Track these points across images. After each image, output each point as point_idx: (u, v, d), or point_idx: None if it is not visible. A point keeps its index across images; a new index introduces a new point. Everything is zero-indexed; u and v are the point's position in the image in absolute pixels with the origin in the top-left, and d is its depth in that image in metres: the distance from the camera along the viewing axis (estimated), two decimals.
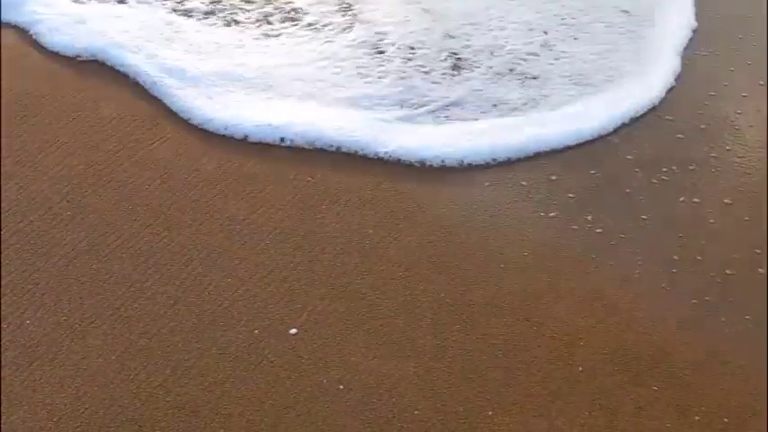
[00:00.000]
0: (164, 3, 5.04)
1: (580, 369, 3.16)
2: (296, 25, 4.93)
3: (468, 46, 4.86)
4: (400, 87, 4.50)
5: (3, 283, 3.34)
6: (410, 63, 4.69)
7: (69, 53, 4.65)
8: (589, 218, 3.83)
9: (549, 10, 5.20)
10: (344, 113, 4.32)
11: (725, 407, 3.05)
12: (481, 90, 4.54)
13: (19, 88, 4.40)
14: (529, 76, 4.69)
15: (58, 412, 2.91)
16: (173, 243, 3.59)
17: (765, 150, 4.26)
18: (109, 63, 4.58)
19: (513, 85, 4.61)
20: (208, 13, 4.99)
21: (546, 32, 5.00)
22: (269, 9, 5.04)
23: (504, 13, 5.12)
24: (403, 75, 4.60)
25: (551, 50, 4.88)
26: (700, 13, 5.22)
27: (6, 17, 4.83)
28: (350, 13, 5.04)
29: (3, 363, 3.05)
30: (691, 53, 4.91)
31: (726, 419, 3.01)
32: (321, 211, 3.81)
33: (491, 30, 4.99)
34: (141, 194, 3.83)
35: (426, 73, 4.63)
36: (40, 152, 4.05)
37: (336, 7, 5.08)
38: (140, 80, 4.48)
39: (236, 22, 4.95)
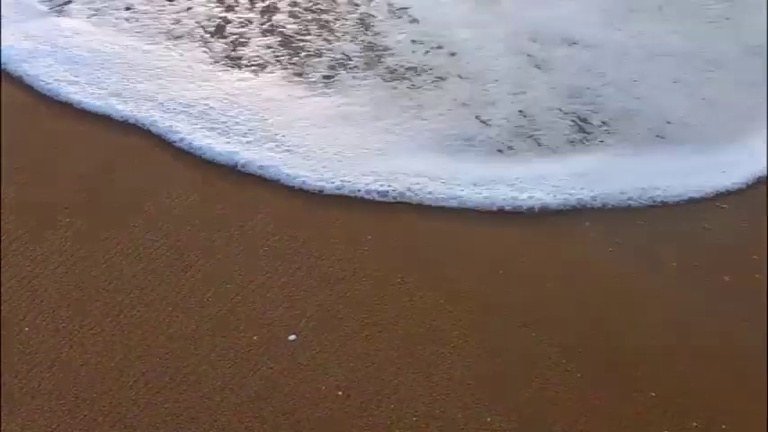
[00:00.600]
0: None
1: (579, 375, 3.16)
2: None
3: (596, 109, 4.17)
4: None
5: (2, 290, 3.34)
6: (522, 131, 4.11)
7: None
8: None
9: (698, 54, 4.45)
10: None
11: (724, 413, 3.06)
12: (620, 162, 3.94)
13: None
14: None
15: (57, 419, 2.91)
16: (171, 249, 3.60)
17: None
18: None
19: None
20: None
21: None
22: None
23: (641, 62, 4.35)
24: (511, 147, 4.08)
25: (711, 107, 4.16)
26: None
27: None
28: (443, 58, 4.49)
29: (2, 369, 3.05)
30: None
31: (723, 426, 3.01)
32: (319, 219, 3.82)
33: (627, 86, 4.26)
34: (141, 200, 3.85)
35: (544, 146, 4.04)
36: (42, 156, 4.08)
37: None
38: None
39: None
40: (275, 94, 4.51)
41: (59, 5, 5.09)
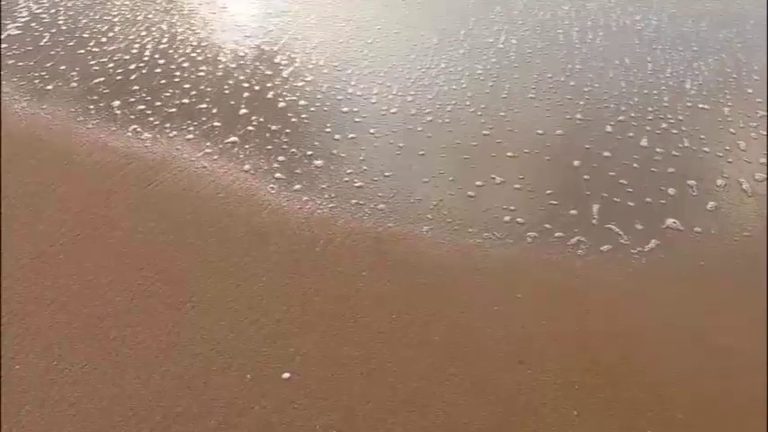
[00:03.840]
0: None
1: (575, 414, 3.13)
2: None
3: None
4: None
5: None
6: None
7: None
8: None
9: None
10: None
11: None
12: None
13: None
14: None
15: None
16: (165, 287, 3.58)
17: None
18: None
19: None
20: None
21: None
22: None
23: None
24: None
25: None
26: None
27: None
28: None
29: None
30: None
31: None
32: (315, 254, 3.81)
33: None
34: (134, 238, 3.84)
35: None
36: (35, 195, 4.08)
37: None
38: None
39: None
40: None
41: None
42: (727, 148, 4.92)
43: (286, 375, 3.21)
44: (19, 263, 3.66)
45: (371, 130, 4.94)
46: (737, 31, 6.58)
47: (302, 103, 5.23)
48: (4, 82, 5.27)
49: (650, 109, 5.35)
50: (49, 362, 3.20)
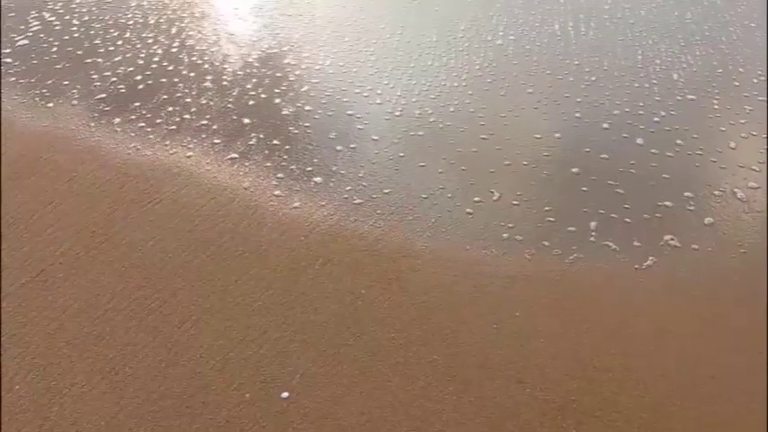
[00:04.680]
0: None
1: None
2: None
3: None
4: None
5: None
6: None
7: None
8: None
9: None
10: None
11: None
12: None
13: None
14: None
15: None
16: (165, 305, 3.59)
17: None
18: None
19: None
20: None
21: None
22: None
23: None
24: None
25: None
26: None
27: None
28: None
29: None
30: None
31: None
32: (314, 272, 3.82)
33: None
34: (134, 256, 3.85)
35: None
36: (34, 213, 4.10)
37: None
38: None
39: None
40: None
41: None
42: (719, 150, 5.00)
43: (285, 395, 3.21)
44: (19, 281, 3.67)
45: (374, 137, 5.00)
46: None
47: (306, 108, 5.24)
48: (4, 100, 5.30)
49: (641, 104, 5.46)
50: (49, 381, 3.21)
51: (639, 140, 5.10)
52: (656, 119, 5.33)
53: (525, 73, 5.87)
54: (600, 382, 3.35)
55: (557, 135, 5.15)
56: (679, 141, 5.08)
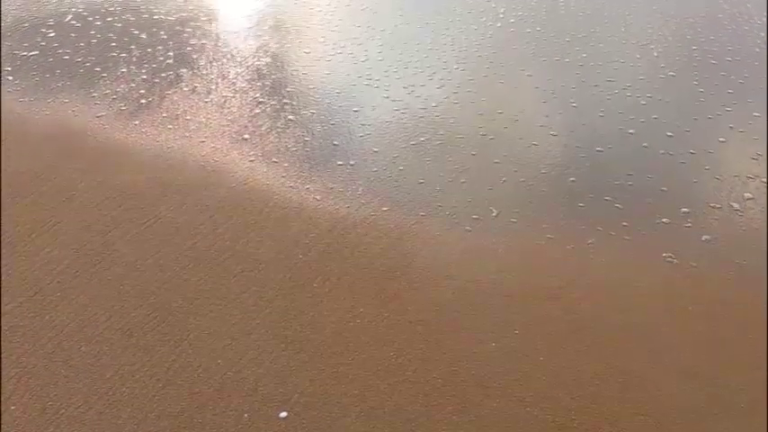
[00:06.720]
0: None
1: None
2: None
3: None
4: None
5: None
6: None
7: None
8: None
9: None
10: None
11: None
12: None
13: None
14: None
15: None
16: (162, 324, 3.57)
17: None
18: None
19: None
20: None
21: None
22: None
23: None
24: None
25: None
26: None
27: None
28: None
29: None
30: None
31: None
32: (312, 290, 3.81)
33: None
34: (131, 275, 3.84)
35: None
36: (34, 231, 4.09)
37: None
38: None
39: None
40: None
41: None
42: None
43: (283, 414, 3.19)
44: (16, 300, 3.66)
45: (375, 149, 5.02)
46: None
47: (304, 121, 5.27)
48: (4, 116, 5.31)
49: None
50: (45, 402, 3.18)
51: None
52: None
53: None
54: (600, 402, 3.32)
55: None
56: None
